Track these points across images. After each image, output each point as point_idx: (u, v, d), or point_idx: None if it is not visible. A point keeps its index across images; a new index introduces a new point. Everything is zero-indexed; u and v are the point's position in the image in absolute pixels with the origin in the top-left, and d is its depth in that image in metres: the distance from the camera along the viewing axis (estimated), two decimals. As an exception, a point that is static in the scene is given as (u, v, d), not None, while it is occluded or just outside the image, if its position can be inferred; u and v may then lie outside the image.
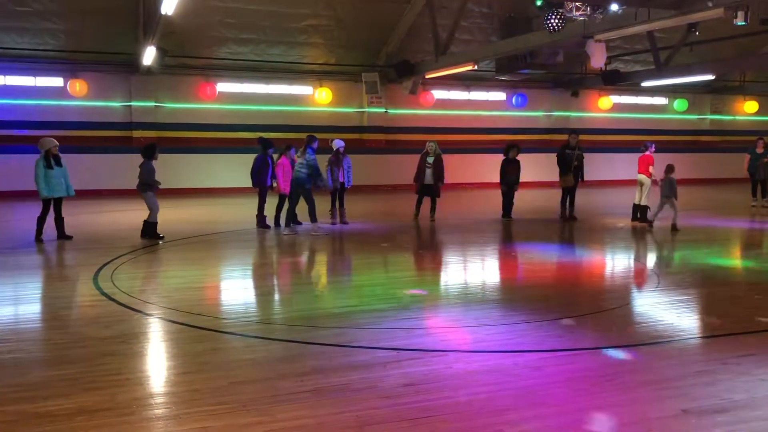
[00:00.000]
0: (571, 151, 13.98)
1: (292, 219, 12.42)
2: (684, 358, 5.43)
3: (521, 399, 4.46)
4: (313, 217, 11.99)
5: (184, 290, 7.83)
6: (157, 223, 11.20)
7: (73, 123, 18.84)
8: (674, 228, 12.43)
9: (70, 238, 10.94)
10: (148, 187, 11.12)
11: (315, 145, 12.14)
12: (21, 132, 18.32)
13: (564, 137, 14.62)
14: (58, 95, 18.84)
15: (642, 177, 13.47)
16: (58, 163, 10.80)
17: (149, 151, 11.33)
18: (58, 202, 10.91)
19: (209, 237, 11.70)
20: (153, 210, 11.15)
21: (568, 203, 14.21)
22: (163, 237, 11.13)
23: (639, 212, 13.60)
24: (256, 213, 12.62)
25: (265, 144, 12.62)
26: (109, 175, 18.46)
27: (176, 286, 8.11)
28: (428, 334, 6.16)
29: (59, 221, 10.94)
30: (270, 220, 12.66)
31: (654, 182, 13.38)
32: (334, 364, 5.13)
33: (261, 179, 12.44)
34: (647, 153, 13.51)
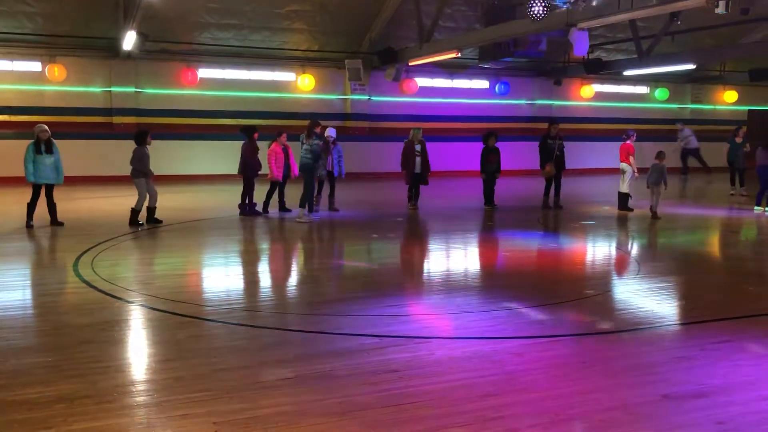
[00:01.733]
0: (552, 140, 14.02)
1: (303, 205, 12.03)
2: (664, 344, 5.49)
3: (503, 385, 4.49)
4: (302, 203, 11.92)
5: (166, 277, 7.77)
6: (140, 211, 11.11)
7: (51, 108, 18.50)
8: (654, 215, 12.54)
9: (61, 224, 10.86)
10: (140, 174, 11.06)
11: (318, 130, 12.11)
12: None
13: (546, 126, 14.65)
14: (37, 80, 18.51)
15: (624, 165, 13.54)
16: (49, 150, 10.67)
17: (141, 137, 11.27)
18: (49, 189, 10.82)
19: (191, 224, 11.61)
20: (140, 198, 11.08)
21: (552, 192, 14.23)
22: (142, 224, 11.04)
23: (620, 200, 13.67)
24: (240, 202, 12.53)
25: (249, 131, 12.56)
26: (89, 161, 18.17)
27: (158, 273, 8.05)
28: (411, 321, 6.17)
29: (51, 207, 10.86)
30: (258, 207, 12.61)
31: (635, 171, 13.42)
32: (317, 351, 5.12)
33: (249, 167, 12.38)
34: (628, 142, 13.57)
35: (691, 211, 14.15)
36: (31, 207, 10.73)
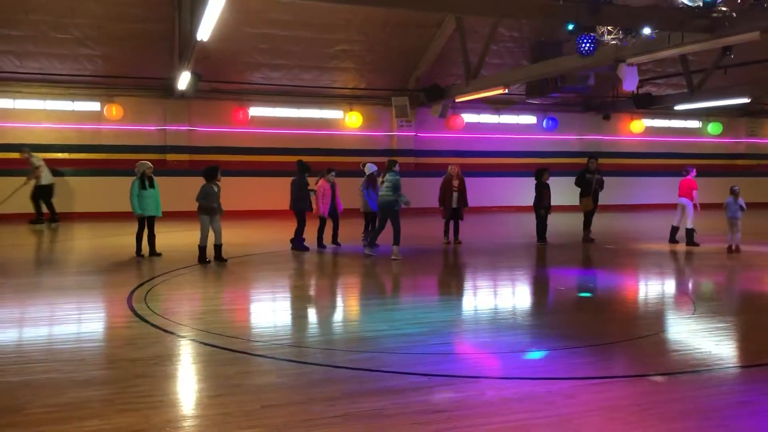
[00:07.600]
0: (591, 175, 14.20)
1: (371, 241, 12.26)
2: (723, 388, 5.29)
3: (557, 428, 4.38)
4: (395, 241, 11.89)
5: (217, 312, 7.88)
6: (205, 247, 11.17)
7: (109, 146, 19.20)
8: (737, 249, 12.76)
9: (159, 255, 11.49)
10: (203, 210, 11.21)
11: (397, 168, 12.33)
12: (58, 156, 18.71)
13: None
14: (95, 119, 19.26)
15: (683, 200, 13.55)
16: (152, 185, 11.50)
17: (210, 173, 11.34)
18: (151, 221, 11.56)
19: (243, 259, 11.78)
20: (202, 234, 11.14)
21: (584, 226, 14.45)
22: (209, 261, 11.11)
23: (687, 236, 13.64)
24: (293, 236, 12.64)
25: (303, 169, 12.73)
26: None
27: (209, 308, 8.16)
28: (459, 360, 6.11)
29: (151, 238, 11.57)
30: (309, 243, 12.73)
31: (695, 206, 13.44)
32: (365, 388, 5.10)
33: (300, 203, 12.54)
34: (689, 177, 13.64)
35: (747, 248, 13.71)
36: (139, 238, 11.45)
